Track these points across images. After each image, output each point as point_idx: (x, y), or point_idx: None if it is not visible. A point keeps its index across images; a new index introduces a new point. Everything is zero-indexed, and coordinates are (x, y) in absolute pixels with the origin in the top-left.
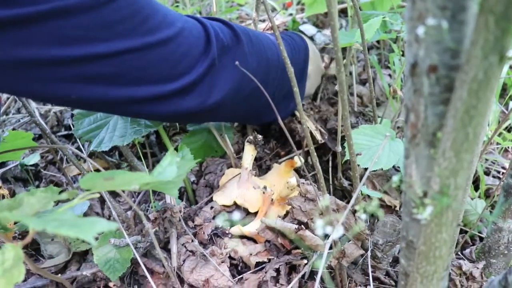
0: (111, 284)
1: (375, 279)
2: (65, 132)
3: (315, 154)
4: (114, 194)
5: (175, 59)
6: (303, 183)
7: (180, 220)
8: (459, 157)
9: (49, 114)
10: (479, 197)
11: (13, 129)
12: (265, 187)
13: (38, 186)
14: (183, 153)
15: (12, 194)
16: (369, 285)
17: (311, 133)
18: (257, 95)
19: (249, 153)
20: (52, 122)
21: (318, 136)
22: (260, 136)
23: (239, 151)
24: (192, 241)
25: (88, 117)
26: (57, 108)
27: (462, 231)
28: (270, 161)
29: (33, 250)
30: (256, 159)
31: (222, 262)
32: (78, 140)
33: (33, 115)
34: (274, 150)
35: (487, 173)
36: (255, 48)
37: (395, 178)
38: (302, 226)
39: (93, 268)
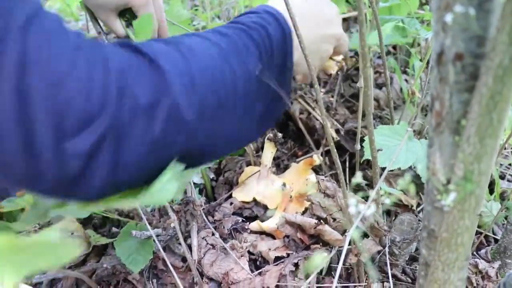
0: (130, 278)
1: (392, 276)
2: None
3: (335, 150)
4: None
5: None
6: (323, 179)
7: (201, 214)
8: (483, 143)
9: None
10: (494, 199)
11: None
12: (284, 184)
13: None
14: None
15: None
16: (386, 281)
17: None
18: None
19: (269, 151)
20: None
21: (333, 134)
22: (280, 134)
23: (258, 150)
24: (213, 234)
25: None
26: None
27: (477, 232)
28: (287, 160)
29: None
30: (274, 159)
31: (241, 256)
32: None
33: None
34: (291, 150)
35: (502, 177)
36: (200, 80)
37: (407, 176)
38: (322, 221)
39: (113, 261)
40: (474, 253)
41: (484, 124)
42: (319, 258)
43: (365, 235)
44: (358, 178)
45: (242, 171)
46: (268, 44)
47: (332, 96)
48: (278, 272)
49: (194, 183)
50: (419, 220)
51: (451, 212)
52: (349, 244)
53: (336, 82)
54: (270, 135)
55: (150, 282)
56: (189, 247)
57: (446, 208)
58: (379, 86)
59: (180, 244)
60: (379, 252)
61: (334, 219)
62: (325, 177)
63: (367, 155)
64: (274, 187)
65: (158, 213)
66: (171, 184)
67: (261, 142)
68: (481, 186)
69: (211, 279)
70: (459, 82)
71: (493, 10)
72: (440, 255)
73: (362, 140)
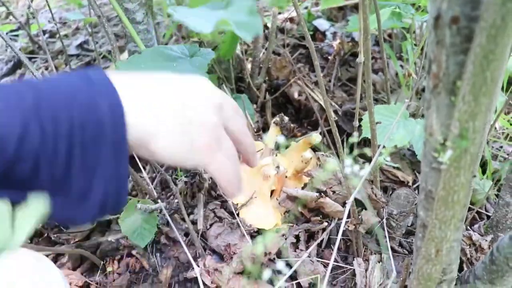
0: (134, 252)
1: (390, 248)
2: None
3: (335, 124)
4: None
5: None
6: (322, 154)
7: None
8: (477, 101)
9: None
10: (486, 178)
11: None
12: (278, 167)
13: None
14: None
15: None
16: (384, 253)
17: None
18: None
19: (273, 133)
20: None
21: (332, 114)
22: (286, 118)
23: (258, 130)
24: (221, 207)
25: None
26: None
27: (470, 209)
28: (287, 141)
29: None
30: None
31: (248, 233)
32: None
33: None
34: (292, 131)
35: (494, 157)
36: None
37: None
38: (322, 194)
39: (117, 235)
40: (468, 227)
41: (478, 82)
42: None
43: (364, 209)
44: (354, 138)
45: None
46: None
47: (330, 80)
48: (276, 246)
49: None
50: (416, 194)
51: (448, 170)
52: (348, 217)
53: (333, 66)
54: (277, 119)
55: (154, 256)
56: (192, 222)
57: (443, 166)
58: (375, 71)
59: (183, 220)
60: (378, 222)
61: (334, 192)
62: (325, 153)
63: (366, 133)
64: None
65: (160, 186)
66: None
67: (263, 123)
68: (475, 144)
69: (213, 251)
70: (455, 44)
71: None
72: (438, 214)
73: (359, 120)
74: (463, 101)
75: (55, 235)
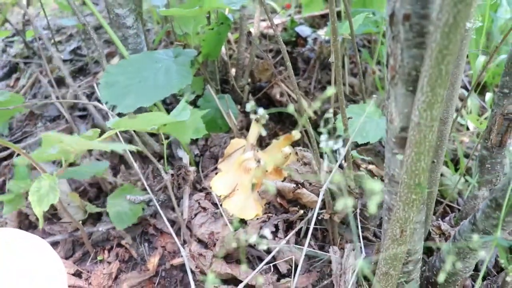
0: (123, 242)
1: (364, 238)
2: (81, 113)
3: (309, 122)
4: (127, 165)
5: None
6: (300, 149)
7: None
8: (434, 92)
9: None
10: (459, 174)
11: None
12: (258, 161)
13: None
14: (198, 124)
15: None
16: (358, 242)
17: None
18: None
19: (255, 130)
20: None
21: (311, 114)
22: (266, 116)
23: (241, 128)
24: (205, 198)
25: (113, 86)
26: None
27: (441, 202)
28: (269, 139)
29: (50, 214)
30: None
31: (230, 222)
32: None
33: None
34: (273, 130)
35: (466, 156)
36: None
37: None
38: (299, 185)
39: (108, 225)
40: (439, 219)
41: (435, 74)
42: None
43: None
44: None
45: (227, 145)
46: None
47: (310, 83)
48: (258, 228)
49: (179, 157)
50: None
51: (409, 155)
52: (324, 207)
53: (314, 70)
54: (257, 116)
55: (142, 245)
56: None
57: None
58: (354, 75)
59: (172, 209)
60: (354, 209)
61: (310, 184)
62: (302, 147)
63: (340, 130)
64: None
65: (152, 174)
66: (185, 112)
67: (246, 123)
68: (433, 131)
69: (198, 240)
70: (408, 39)
71: None
72: (401, 196)
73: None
74: (422, 92)
75: (48, 227)
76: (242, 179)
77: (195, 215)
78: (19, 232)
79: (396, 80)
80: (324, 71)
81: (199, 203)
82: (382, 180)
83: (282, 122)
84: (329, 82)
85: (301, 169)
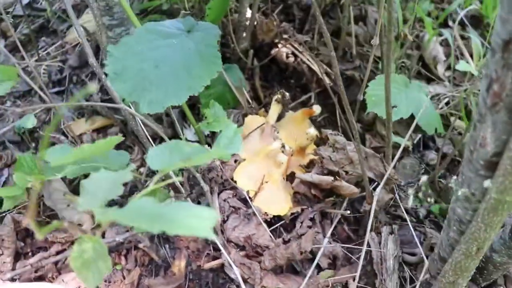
0: (140, 245)
1: (397, 217)
2: (56, 89)
3: (350, 111)
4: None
5: None
6: (331, 133)
7: (223, 178)
8: None
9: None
10: None
11: None
12: (283, 145)
13: (35, 149)
14: (215, 109)
15: (12, 158)
16: (394, 224)
17: (318, 76)
18: None
19: (275, 111)
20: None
21: (327, 80)
22: (287, 95)
23: (251, 99)
24: (233, 196)
25: (123, 73)
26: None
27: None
28: (269, 97)
29: (47, 217)
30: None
31: (264, 221)
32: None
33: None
34: (276, 90)
35: None
36: None
37: None
38: (337, 177)
39: (125, 234)
40: None
41: None
42: None
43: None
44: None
45: (241, 124)
46: None
47: (313, 37)
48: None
49: (187, 140)
50: (420, 163)
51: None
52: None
53: (314, 20)
54: (278, 96)
55: (163, 247)
56: None
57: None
58: (355, 20)
59: None
60: (391, 199)
61: (346, 172)
62: (333, 130)
63: (370, 107)
64: (272, 147)
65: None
66: (237, 139)
67: (254, 93)
68: None
69: (230, 242)
70: None
71: None
72: (485, 219)
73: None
74: None
75: (51, 234)
76: (271, 172)
77: (227, 217)
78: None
79: (498, 107)
80: (324, 19)
81: (228, 202)
82: (408, 152)
83: (285, 83)
84: (332, 33)
85: (335, 156)
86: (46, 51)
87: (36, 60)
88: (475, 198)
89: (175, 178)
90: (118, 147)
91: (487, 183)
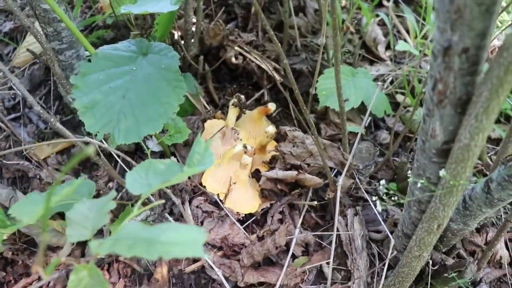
0: (121, 258)
1: (359, 198)
2: (13, 115)
3: (302, 102)
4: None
5: None
6: (290, 130)
7: (192, 185)
8: (488, 119)
9: None
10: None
11: None
12: (245, 146)
13: (1, 177)
14: (175, 121)
15: None
16: (357, 206)
17: (268, 73)
18: None
19: (233, 115)
20: None
21: (277, 76)
22: (243, 97)
23: (207, 103)
24: (205, 200)
25: (94, 108)
26: None
27: (409, 138)
28: (224, 98)
29: (24, 243)
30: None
31: (237, 221)
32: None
33: None
34: (233, 94)
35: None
36: None
37: None
38: (300, 170)
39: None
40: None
41: (492, 105)
42: None
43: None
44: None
45: (202, 130)
46: None
47: (257, 34)
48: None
49: (152, 152)
50: (374, 145)
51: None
52: (327, 185)
53: (256, 18)
54: (235, 100)
55: (146, 260)
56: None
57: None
58: (295, 12)
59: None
60: (352, 183)
61: (308, 165)
62: (289, 124)
63: (323, 102)
64: (236, 150)
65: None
66: (209, 155)
67: (209, 97)
68: (479, 147)
69: (208, 244)
70: (463, 68)
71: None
72: (442, 198)
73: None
74: (476, 119)
75: (31, 259)
76: (238, 174)
77: (202, 222)
78: None
79: (444, 103)
80: (265, 15)
81: (201, 208)
82: (365, 139)
83: (236, 81)
84: (276, 29)
85: (295, 151)
86: None
87: None
88: (431, 181)
89: (156, 202)
90: (83, 164)
91: (442, 172)
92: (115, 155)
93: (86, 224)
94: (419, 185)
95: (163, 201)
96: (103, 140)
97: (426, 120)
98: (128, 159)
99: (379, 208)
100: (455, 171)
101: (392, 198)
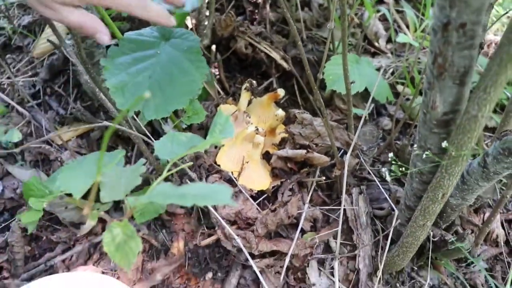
0: (140, 234)
1: (363, 179)
2: (35, 102)
3: (321, 99)
4: None
5: None
6: (298, 112)
7: (207, 163)
8: (496, 92)
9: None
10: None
11: None
12: (257, 128)
13: (23, 160)
14: (193, 104)
15: (3, 171)
16: (362, 185)
17: (277, 62)
18: None
19: (245, 99)
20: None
21: (285, 65)
22: (254, 82)
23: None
24: (220, 178)
25: (124, 88)
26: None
27: (409, 125)
28: (235, 86)
29: (47, 221)
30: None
31: (251, 196)
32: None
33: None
34: (242, 83)
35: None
36: None
37: None
38: (309, 149)
39: None
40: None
41: (500, 79)
42: None
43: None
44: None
45: (214, 114)
46: None
47: (265, 27)
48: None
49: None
50: (377, 129)
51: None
52: (334, 164)
53: (264, 11)
54: (247, 84)
55: (160, 233)
56: None
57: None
58: (302, 7)
59: None
60: (357, 163)
61: (316, 145)
62: (300, 110)
63: (330, 85)
64: (248, 131)
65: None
66: (229, 126)
67: (220, 84)
68: (484, 116)
69: (223, 219)
70: (460, 43)
71: None
72: (448, 169)
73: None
74: (484, 91)
75: (54, 236)
76: (250, 153)
77: None
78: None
79: (444, 76)
80: (272, 8)
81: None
82: (367, 122)
83: (246, 71)
84: (282, 22)
85: (304, 132)
86: (15, 68)
87: (8, 77)
88: (432, 151)
89: (184, 165)
90: (98, 147)
91: (444, 143)
92: (150, 136)
93: (119, 186)
94: (424, 156)
95: (191, 163)
96: (123, 122)
97: (427, 93)
98: (147, 139)
99: (388, 178)
100: (462, 141)
101: (400, 169)
